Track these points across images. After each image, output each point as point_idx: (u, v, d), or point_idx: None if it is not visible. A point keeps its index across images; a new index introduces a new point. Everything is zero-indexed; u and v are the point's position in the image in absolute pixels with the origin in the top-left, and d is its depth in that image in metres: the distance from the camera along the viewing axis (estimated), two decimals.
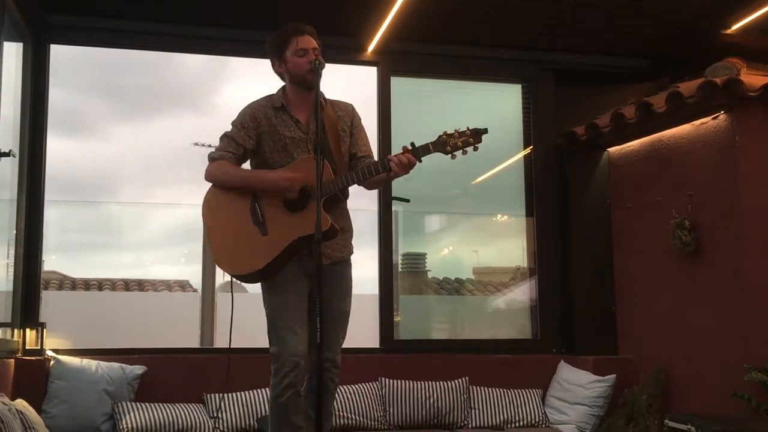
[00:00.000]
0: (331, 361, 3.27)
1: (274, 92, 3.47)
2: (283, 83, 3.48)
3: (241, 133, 3.37)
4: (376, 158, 3.53)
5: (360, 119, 3.53)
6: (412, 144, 3.18)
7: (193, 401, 4.62)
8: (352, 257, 3.49)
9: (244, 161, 3.44)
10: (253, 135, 3.37)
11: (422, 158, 3.19)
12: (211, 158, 3.38)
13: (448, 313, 6.19)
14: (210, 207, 3.36)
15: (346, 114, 3.48)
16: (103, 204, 6.48)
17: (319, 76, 3.17)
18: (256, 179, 3.34)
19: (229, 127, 3.42)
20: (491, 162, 5.90)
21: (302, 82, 3.35)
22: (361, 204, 5.19)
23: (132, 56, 5.55)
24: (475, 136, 3.18)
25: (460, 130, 3.19)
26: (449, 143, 3.17)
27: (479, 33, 5.55)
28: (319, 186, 2.94)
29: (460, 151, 3.18)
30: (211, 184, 3.38)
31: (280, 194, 3.25)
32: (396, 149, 5.43)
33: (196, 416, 4.52)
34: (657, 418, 4.69)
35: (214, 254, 3.36)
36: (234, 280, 3.34)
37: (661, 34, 5.53)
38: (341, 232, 3.30)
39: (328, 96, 3.41)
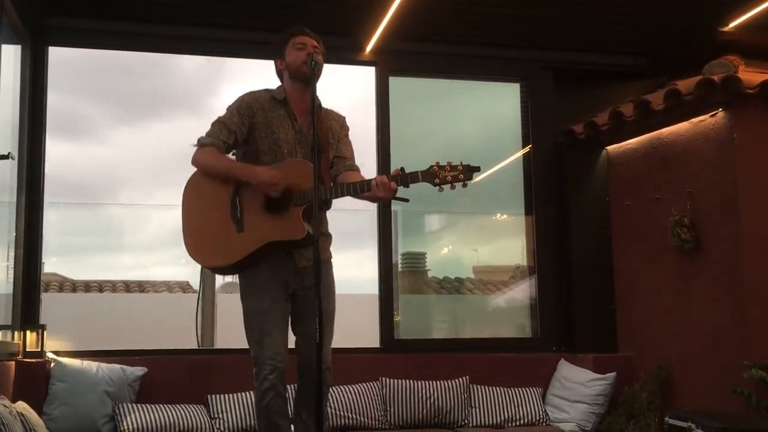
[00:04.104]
0: (323, 361, 3.19)
1: (274, 87, 3.46)
2: (280, 84, 3.47)
3: (234, 119, 3.33)
4: (361, 162, 3.51)
5: (349, 130, 3.53)
6: (402, 169, 3.16)
7: (194, 402, 4.62)
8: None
9: (233, 149, 3.40)
10: (246, 123, 3.34)
11: (409, 185, 3.15)
12: (201, 143, 3.33)
13: (448, 312, 6.20)
14: (190, 193, 3.34)
15: (337, 123, 3.48)
16: (102, 206, 6.48)
17: (314, 72, 3.15)
18: (242, 171, 3.27)
19: (224, 112, 3.38)
20: (490, 161, 5.91)
21: (298, 75, 3.33)
22: (361, 204, 5.17)
23: (130, 58, 5.55)
24: (466, 172, 3.13)
25: (452, 164, 3.13)
26: (439, 176, 3.12)
27: (478, 32, 5.55)
28: (316, 187, 2.93)
29: (449, 185, 3.14)
30: (196, 169, 3.35)
31: (262, 190, 3.21)
32: (395, 149, 5.50)
33: (197, 417, 4.52)
34: (657, 415, 4.70)
35: (185, 240, 3.30)
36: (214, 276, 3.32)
37: (659, 31, 5.53)
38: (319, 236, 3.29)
39: (324, 99, 3.39)
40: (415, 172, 3.15)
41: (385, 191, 3.13)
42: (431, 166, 3.15)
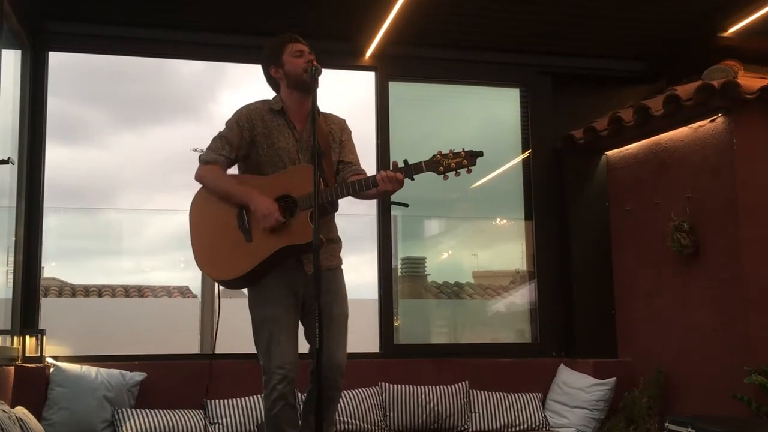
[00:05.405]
0: (338, 366, 3.22)
1: (271, 98, 3.46)
2: (274, 94, 3.47)
3: (234, 132, 3.33)
4: (362, 166, 3.49)
5: (350, 132, 3.52)
6: (405, 161, 3.15)
7: (194, 407, 4.61)
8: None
9: (235, 163, 3.40)
10: (247, 136, 3.34)
11: (414, 177, 3.15)
12: (204, 161, 3.34)
13: (448, 317, 6.19)
14: (197, 209, 3.35)
15: (337, 127, 3.47)
16: (102, 210, 6.48)
17: (315, 81, 3.16)
18: (241, 196, 3.27)
19: (223, 127, 3.38)
20: (490, 166, 5.92)
21: (300, 83, 3.32)
22: (360, 209, 5.21)
23: (130, 63, 5.56)
24: (469, 158, 3.11)
25: (455, 151, 3.13)
26: (443, 164, 3.11)
27: (477, 37, 5.56)
28: (316, 193, 2.93)
29: (453, 172, 3.13)
30: (201, 185, 3.36)
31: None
32: (394, 154, 5.50)
33: (196, 422, 4.51)
34: (657, 420, 4.69)
35: (196, 256, 3.31)
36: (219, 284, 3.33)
37: (659, 37, 5.54)
38: (329, 242, 3.30)
39: (324, 104, 3.38)
40: (419, 162, 3.15)
41: (393, 184, 3.13)
42: (434, 155, 3.14)
